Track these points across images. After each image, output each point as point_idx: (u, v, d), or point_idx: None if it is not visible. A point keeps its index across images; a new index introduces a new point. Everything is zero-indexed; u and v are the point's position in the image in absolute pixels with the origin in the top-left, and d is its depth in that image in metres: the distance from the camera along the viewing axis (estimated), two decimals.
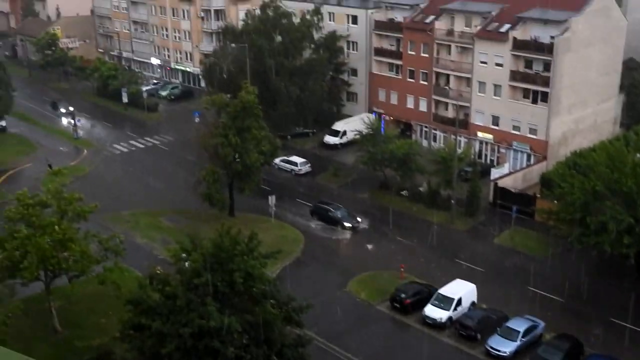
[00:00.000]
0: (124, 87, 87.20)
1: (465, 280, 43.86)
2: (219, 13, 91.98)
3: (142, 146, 75.01)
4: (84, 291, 42.55)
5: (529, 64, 63.12)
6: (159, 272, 33.61)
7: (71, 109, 79.27)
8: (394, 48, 74.61)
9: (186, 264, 32.47)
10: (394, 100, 74.80)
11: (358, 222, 53.83)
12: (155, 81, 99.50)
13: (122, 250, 38.45)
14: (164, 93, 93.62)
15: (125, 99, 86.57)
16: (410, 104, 73.05)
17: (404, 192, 59.65)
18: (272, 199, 54.10)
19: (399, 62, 73.55)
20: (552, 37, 60.74)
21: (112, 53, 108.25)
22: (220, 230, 33.61)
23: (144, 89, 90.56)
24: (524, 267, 48.22)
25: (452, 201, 55.30)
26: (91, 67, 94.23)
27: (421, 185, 59.67)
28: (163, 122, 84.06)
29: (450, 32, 68.38)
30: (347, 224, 53.47)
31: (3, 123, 77.61)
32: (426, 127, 72.31)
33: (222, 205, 53.87)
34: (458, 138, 62.18)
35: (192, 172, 60.63)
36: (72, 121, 76.59)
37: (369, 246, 51.84)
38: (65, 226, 37.11)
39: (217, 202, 53.10)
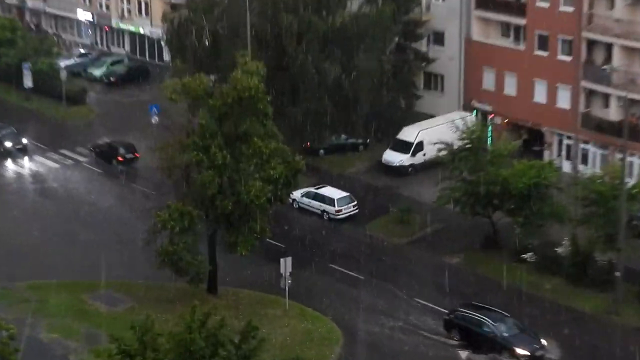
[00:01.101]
0: (27, 61, 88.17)
1: None
2: None
3: (56, 166, 75.76)
4: None
5: None
6: None
7: (25, 141, 78.83)
8: None
9: None
10: (510, 88, 74.72)
11: (542, 345, 51.91)
12: (83, 51, 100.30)
13: (12, 352, 38.10)
14: (98, 72, 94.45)
15: (28, 83, 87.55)
16: (540, 95, 72.92)
17: (527, 256, 59.22)
18: (286, 264, 53.83)
19: (520, 22, 73.70)
20: None
21: (8, 1, 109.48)
22: (189, 320, 33.42)
23: (63, 64, 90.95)
24: None
25: (617, 273, 54.51)
26: None
27: (560, 243, 59.27)
28: (96, 122, 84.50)
29: None
30: (521, 351, 51.29)
31: None
32: (569, 137, 72.10)
33: (197, 275, 53.42)
34: (628, 158, 61.16)
35: (145, 213, 60.56)
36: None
37: (463, 354, 51.41)
38: None
39: (188, 268, 52.66)
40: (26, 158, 78.15)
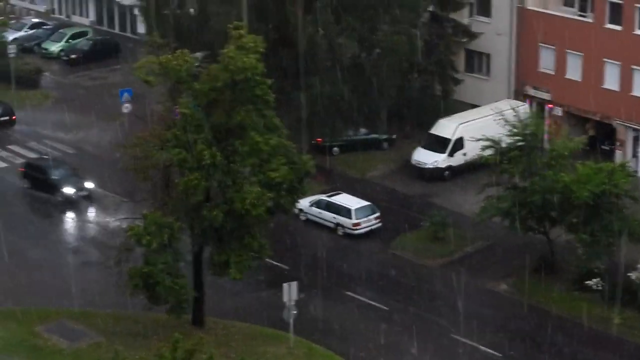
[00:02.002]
0: None
1: None
2: None
3: (3, 165, 76.35)
4: None
5: None
6: None
7: (90, 185, 72.12)
8: None
9: None
10: (573, 71, 74.92)
11: None
12: (35, 20, 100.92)
13: None
14: (55, 47, 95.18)
15: None
16: (611, 81, 72.97)
17: (593, 283, 59.09)
18: (290, 291, 53.71)
19: None
20: None
21: None
22: (169, 358, 34.10)
23: (11, 37, 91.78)
24: None
25: None
26: None
27: (635, 267, 59.12)
28: (52, 111, 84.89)
29: None
30: None
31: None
32: None
33: (178, 303, 53.17)
34: None
35: (114, 226, 61.21)
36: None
37: None
38: None
39: (167, 294, 52.33)
40: (92, 209, 72.19)
